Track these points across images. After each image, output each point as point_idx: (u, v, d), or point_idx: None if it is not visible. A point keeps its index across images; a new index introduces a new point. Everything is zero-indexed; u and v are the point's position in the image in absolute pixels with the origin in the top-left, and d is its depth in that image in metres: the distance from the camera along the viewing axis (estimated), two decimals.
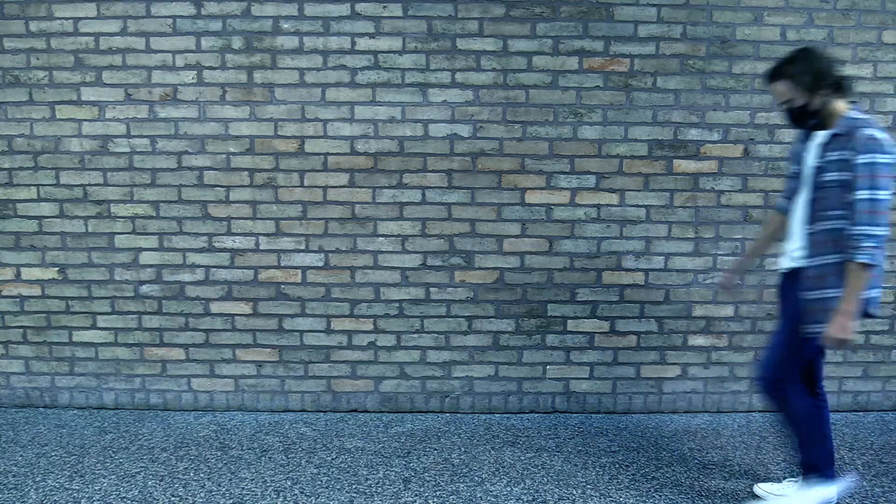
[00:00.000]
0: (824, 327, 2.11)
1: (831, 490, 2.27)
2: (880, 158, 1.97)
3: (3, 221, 3.16)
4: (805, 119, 2.16)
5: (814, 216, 2.14)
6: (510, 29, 3.02)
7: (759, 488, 2.45)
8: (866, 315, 2.14)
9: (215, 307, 3.20)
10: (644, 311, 3.21)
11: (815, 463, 2.26)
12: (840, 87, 2.09)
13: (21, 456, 2.75)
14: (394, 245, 3.15)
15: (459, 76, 3.04)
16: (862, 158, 1.98)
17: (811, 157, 2.18)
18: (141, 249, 3.17)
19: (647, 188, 3.13)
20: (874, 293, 2.10)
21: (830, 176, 2.07)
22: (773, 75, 2.15)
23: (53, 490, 2.46)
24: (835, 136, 2.09)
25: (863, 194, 1.99)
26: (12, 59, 3.04)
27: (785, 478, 2.60)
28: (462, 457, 2.78)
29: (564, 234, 3.15)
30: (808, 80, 2.08)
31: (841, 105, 2.11)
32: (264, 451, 2.82)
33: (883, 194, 1.98)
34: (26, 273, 3.19)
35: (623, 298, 3.20)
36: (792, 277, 2.27)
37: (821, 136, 2.17)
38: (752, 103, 3.09)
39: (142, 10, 3.01)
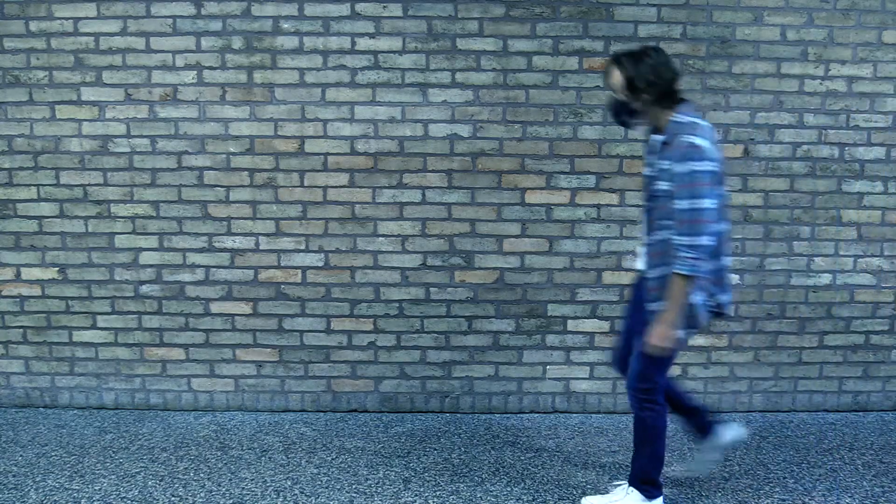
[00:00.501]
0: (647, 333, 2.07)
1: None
2: (698, 166, 1.89)
3: (3, 221, 3.16)
4: (622, 115, 2.09)
5: (651, 225, 2.09)
6: (510, 29, 3.02)
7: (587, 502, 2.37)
8: (695, 324, 2.08)
9: (215, 307, 3.20)
10: None
11: (653, 478, 2.25)
12: (669, 97, 2.01)
13: (21, 456, 2.75)
14: (394, 245, 3.15)
15: (459, 76, 3.04)
16: (680, 168, 1.91)
17: (646, 165, 2.13)
18: (141, 249, 3.17)
19: None
20: (699, 301, 2.05)
21: (661, 185, 2.00)
22: (614, 60, 2.05)
23: (53, 490, 2.46)
24: (664, 143, 2.02)
25: (682, 204, 1.92)
26: (12, 59, 3.04)
27: (609, 489, 2.52)
28: (462, 457, 2.78)
29: (564, 234, 3.15)
30: (637, 80, 1.99)
31: (669, 112, 2.02)
32: (264, 451, 2.82)
33: (705, 203, 1.90)
34: (26, 273, 3.19)
35: (623, 298, 3.20)
36: (641, 285, 2.25)
37: (654, 142, 2.11)
38: (752, 103, 3.09)
39: (142, 10, 3.01)
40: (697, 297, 2.04)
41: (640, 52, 2.02)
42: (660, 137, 2.07)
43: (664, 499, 2.36)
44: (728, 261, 2.12)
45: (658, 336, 2.02)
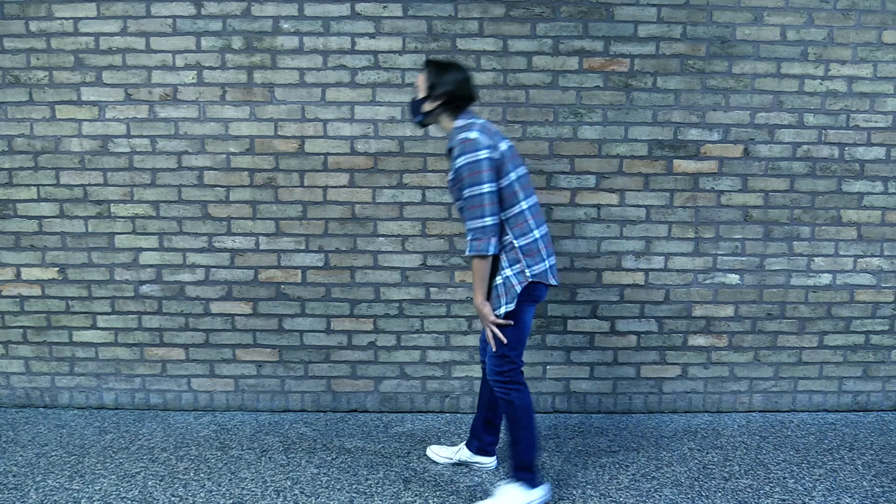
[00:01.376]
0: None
1: (541, 491, 2.32)
2: (472, 157, 2.09)
3: (3, 221, 3.16)
4: (416, 113, 2.31)
5: (465, 223, 2.24)
6: (510, 29, 3.02)
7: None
8: (528, 296, 2.21)
9: (215, 307, 3.20)
10: (644, 311, 3.21)
11: (531, 462, 2.29)
12: (456, 107, 2.23)
13: (21, 456, 2.75)
14: (394, 245, 3.15)
15: None
16: (459, 162, 2.11)
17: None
18: (141, 249, 3.17)
19: (647, 188, 3.13)
20: (511, 274, 2.18)
21: (455, 184, 2.20)
22: (425, 63, 2.26)
23: (53, 490, 2.46)
24: (449, 149, 2.25)
25: (465, 193, 2.12)
26: (12, 59, 3.05)
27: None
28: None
29: (564, 234, 3.15)
30: (436, 86, 2.21)
31: (453, 120, 2.25)
32: (264, 451, 2.82)
33: (485, 188, 2.09)
34: (26, 273, 3.19)
35: (623, 298, 3.20)
36: None
37: (447, 149, 2.30)
38: (752, 103, 3.09)
39: (142, 10, 3.01)
40: (508, 272, 2.19)
41: (448, 63, 2.24)
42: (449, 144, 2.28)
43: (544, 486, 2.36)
44: (541, 231, 2.23)
45: (478, 312, 2.22)
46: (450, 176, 2.21)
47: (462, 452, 2.67)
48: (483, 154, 2.09)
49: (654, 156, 3.11)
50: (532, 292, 2.22)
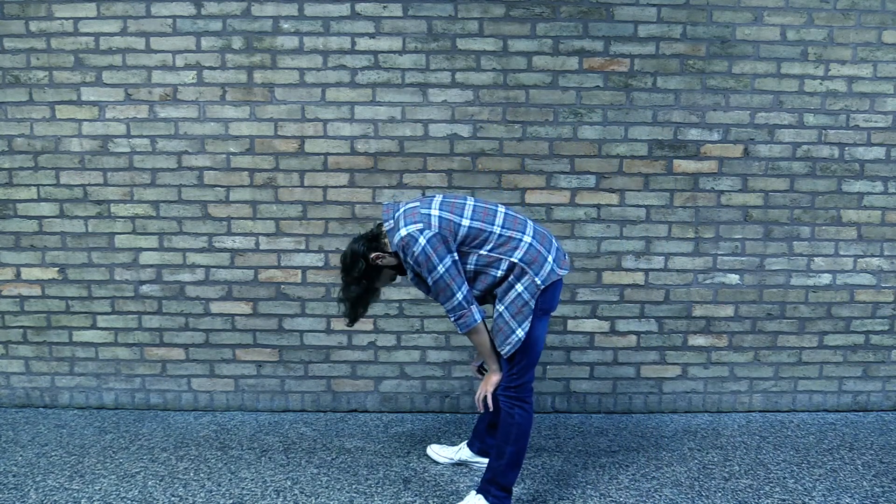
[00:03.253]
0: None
1: None
2: (416, 249, 2.05)
3: (3, 221, 3.16)
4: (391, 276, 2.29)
5: None
6: (510, 29, 3.02)
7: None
8: (539, 310, 2.15)
9: (215, 307, 3.20)
10: (644, 311, 3.21)
11: (510, 483, 2.24)
12: (374, 248, 2.19)
13: (21, 456, 2.75)
14: None
15: (459, 76, 3.04)
16: (410, 260, 2.08)
17: None
18: (141, 249, 3.17)
19: (647, 188, 3.13)
20: (521, 290, 2.12)
21: (422, 282, 2.20)
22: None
23: (53, 490, 2.46)
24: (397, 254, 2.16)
25: (429, 281, 2.09)
26: (12, 59, 3.04)
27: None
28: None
29: (564, 234, 3.15)
30: (353, 271, 2.18)
31: (385, 241, 2.19)
32: (264, 451, 2.82)
33: (440, 270, 2.06)
34: (26, 273, 3.19)
35: (623, 298, 3.20)
36: None
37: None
38: (752, 103, 3.09)
39: (142, 10, 3.01)
40: (519, 287, 2.12)
41: (348, 264, 2.20)
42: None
43: None
44: (529, 233, 2.16)
45: (494, 374, 2.23)
46: (409, 276, 2.17)
47: (463, 452, 2.66)
48: (423, 242, 2.04)
49: (654, 156, 3.11)
50: (542, 305, 2.14)
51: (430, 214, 2.09)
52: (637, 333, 3.23)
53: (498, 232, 2.12)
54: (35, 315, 3.22)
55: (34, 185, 3.13)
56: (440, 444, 2.87)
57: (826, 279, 3.21)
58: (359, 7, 3.00)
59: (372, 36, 3.02)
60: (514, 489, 2.49)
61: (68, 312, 3.22)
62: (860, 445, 2.91)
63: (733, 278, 3.20)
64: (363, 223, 3.14)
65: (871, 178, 3.14)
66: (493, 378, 2.21)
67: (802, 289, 3.21)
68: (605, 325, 3.22)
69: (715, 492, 2.49)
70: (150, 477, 2.57)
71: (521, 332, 2.12)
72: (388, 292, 3.18)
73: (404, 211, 2.13)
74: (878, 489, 2.52)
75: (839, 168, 3.14)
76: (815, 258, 3.19)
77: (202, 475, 2.59)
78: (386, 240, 2.18)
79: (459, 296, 2.08)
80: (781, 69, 3.06)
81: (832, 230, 3.17)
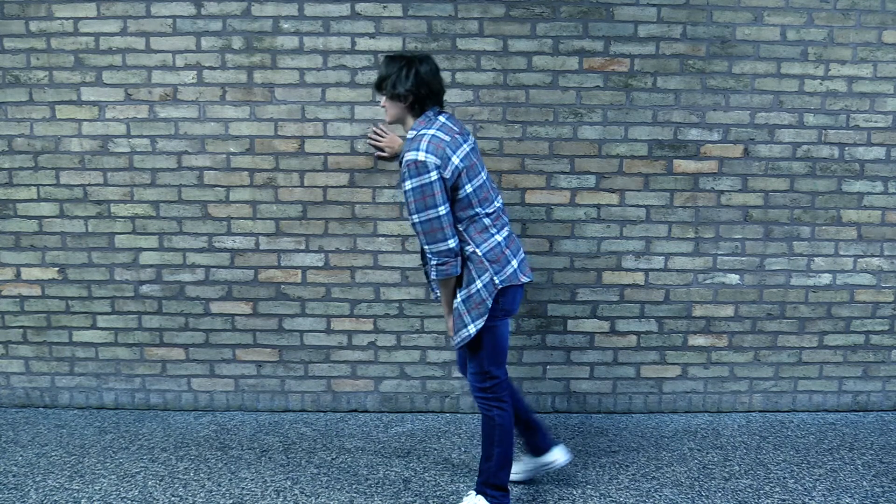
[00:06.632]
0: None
1: None
2: (416, 182, 1.99)
3: (3, 221, 3.16)
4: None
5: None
6: (510, 29, 3.02)
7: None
8: (500, 311, 2.14)
9: (215, 307, 3.20)
10: (644, 311, 3.21)
11: (503, 482, 2.23)
12: (418, 106, 2.10)
13: (21, 456, 2.75)
14: (394, 245, 3.15)
15: (459, 76, 3.04)
16: (406, 186, 2.02)
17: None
18: (141, 249, 3.17)
19: (647, 188, 3.13)
20: (481, 285, 2.10)
21: (408, 210, 2.14)
22: (385, 59, 2.14)
23: (53, 490, 2.46)
24: (399, 162, 2.12)
25: (415, 218, 2.04)
26: (12, 59, 3.04)
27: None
28: (462, 457, 2.78)
29: (564, 234, 3.15)
30: (392, 83, 2.08)
31: (412, 121, 2.13)
32: (264, 451, 2.82)
33: (441, 210, 2.02)
34: (26, 273, 3.19)
35: (623, 298, 3.20)
36: None
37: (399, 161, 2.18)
38: (752, 103, 3.09)
39: (142, 10, 3.01)
40: (478, 283, 2.11)
41: (412, 58, 2.09)
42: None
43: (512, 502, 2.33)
44: (503, 234, 2.16)
45: (452, 331, 2.18)
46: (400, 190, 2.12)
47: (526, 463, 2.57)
48: (432, 177, 2.00)
49: (654, 156, 3.11)
50: (503, 305, 2.14)
51: (450, 160, 2.03)
52: (637, 333, 3.23)
53: (481, 216, 2.12)
54: (35, 315, 3.22)
55: (34, 185, 3.13)
56: (442, 445, 2.83)
57: (826, 279, 3.21)
58: (359, 7, 3.01)
59: (372, 36, 3.02)
60: (514, 489, 2.50)
61: (68, 312, 3.22)
62: (860, 445, 2.92)
63: (733, 278, 3.20)
64: (363, 223, 3.14)
65: (871, 178, 3.14)
66: (453, 326, 2.18)
67: (802, 289, 3.21)
68: (605, 325, 3.23)
69: (715, 492, 2.49)
70: (150, 477, 2.57)
71: (472, 329, 2.12)
72: (388, 292, 3.18)
73: (440, 127, 2.08)
74: (878, 489, 2.52)
75: (839, 168, 3.14)
76: (815, 258, 3.19)
77: (202, 475, 2.59)
78: (412, 120, 2.14)
79: (452, 242, 2.06)
80: (781, 69, 3.06)
81: (832, 230, 3.18)
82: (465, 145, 2.11)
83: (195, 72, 3.05)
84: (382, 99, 2.16)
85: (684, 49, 3.04)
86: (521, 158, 3.10)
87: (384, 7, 3.00)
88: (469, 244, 2.12)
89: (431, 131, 2.06)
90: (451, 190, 2.07)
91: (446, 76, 3.04)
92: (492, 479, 2.22)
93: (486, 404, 2.21)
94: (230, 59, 3.04)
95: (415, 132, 2.09)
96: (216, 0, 3.00)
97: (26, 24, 3.02)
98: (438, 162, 2.01)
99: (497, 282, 2.11)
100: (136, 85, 3.06)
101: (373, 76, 3.05)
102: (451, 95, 3.05)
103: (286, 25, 3.02)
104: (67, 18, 3.01)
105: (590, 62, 3.05)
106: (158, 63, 3.05)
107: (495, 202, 2.19)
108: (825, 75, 3.07)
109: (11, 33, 3.02)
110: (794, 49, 3.05)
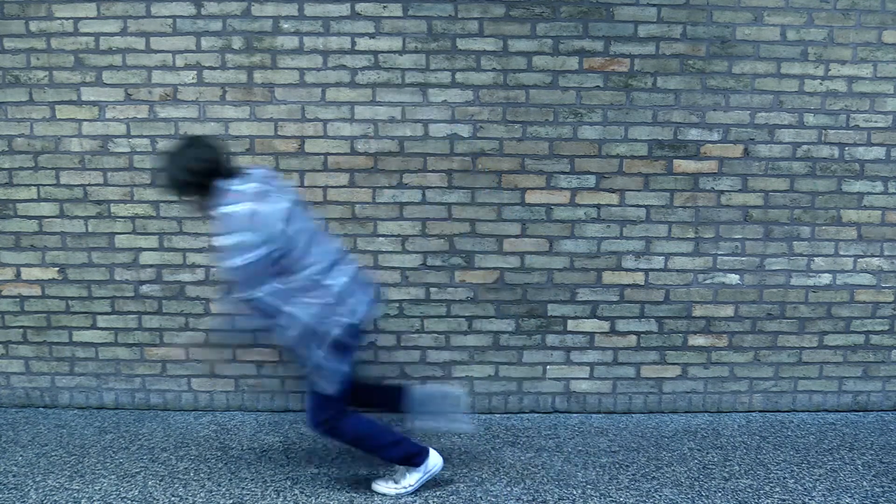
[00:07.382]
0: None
1: (433, 459, 2.42)
2: (234, 239, 2.01)
3: (3, 221, 3.16)
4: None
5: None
6: (510, 29, 3.02)
7: (378, 486, 2.48)
8: (339, 349, 2.18)
9: (215, 307, 3.20)
10: (644, 311, 3.21)
11: (406, 454, 2.36)
12: (211, 182, 2.08)
13: (21, 456, 2.75)
14: (394, 245, 3.15)
15: (459, 76, 3.04)
16: (219, 241, 2.06)
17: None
18: (141, 249, 3.17)
19: (647, 188, 3.13)
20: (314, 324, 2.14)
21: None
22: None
23: (53, 490, 2.46)
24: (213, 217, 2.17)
25: (227, 269, 2.08)
26: (12, 59, 3.04)
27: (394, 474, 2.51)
28: (462, 457, 2.78)
29: (564, 234, 3.15)
30: (177, 175, 2.06)
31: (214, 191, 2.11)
32: (264, 451, 2.82)
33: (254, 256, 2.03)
34: (26, 273, 3.19)
35: (623, 298, 3.20)
36: None
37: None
38: (752, 103, 3.09)
39: (142, 10, 3.01)
40: (310, 321, 2.14)
41: (178, 147, 2.07)
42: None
43: (429, 455, 2.42)
44: (341, 281, 2.20)
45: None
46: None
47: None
48: (242, 235, 2.01)
49: (654, 156, 3.11)
50: (342, 341, 2.18)
51: (273, 227, 2.04)
52: (637, 333, 3.23)
53: (310, 274, 2.16)
54: (35, 315, 3.22)
55: (34, 185, 3.13)
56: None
57: (826, 279, 3.21)
58: (359, 7, 3.00)
59: (372, 36, 3.02)
60: (513, 488, 2.50)
61: (68, 312, 3.22)
62: (860, 445, 2.92)
63: (733, 278, 3.20)
64: (363, 223, 3.14)
65: (871, 178, 3.14)
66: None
67: (802, 289, 3.21)
68: (605, 325, 3.22)
69: (715, 492, 2.49)
70: (150, 477, 2.57)
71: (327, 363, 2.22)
72: (388, 292, 3.18)
73: (253, 196, 2.05)
74: (878, 489, 2.52)
75: (839, 168, 3.14)
76: (815, 258, 3.19)
77: (202, 475, 2.59)
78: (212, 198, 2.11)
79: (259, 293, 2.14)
80: (781, 69, 3.06)
81: (832, 230, 3.17)
82: (282, 203, 2.11)
83: (195, 72, 3.05)
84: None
85: (684, 49, 3.04)
86: (521, 158, 3.10)
87: (384, 7, 3.00)
88: (303, 296, 2.17)
89: (243, 188, 2.06)
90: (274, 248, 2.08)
91: (446, 76, 3.04)
92: (400, 459, 2.35)
93: (330, 435, 2.32)
94: (230, 59, 3.04)
95: (225, 188, 2.09)
96: (216, 0, 3.00)
97: (26, 24, 3.02)
98: (248, 222, 2.04)
99: (345, 325, 2.19)
100: (136, 85, 3.06)
101: (373, 76, 3.05)
102: (451, 95, 3.05)
103: (286, 25, 3.01)
104: (67, 18, 3.01)
105: (590, 62, 3.05)
106: (158, 63, 3.05)
107: (326, 252, 2.21)
108: (825, 75, 3.07)
109: (11, 33, 3.02)
110: (794, 49, 3.05)
